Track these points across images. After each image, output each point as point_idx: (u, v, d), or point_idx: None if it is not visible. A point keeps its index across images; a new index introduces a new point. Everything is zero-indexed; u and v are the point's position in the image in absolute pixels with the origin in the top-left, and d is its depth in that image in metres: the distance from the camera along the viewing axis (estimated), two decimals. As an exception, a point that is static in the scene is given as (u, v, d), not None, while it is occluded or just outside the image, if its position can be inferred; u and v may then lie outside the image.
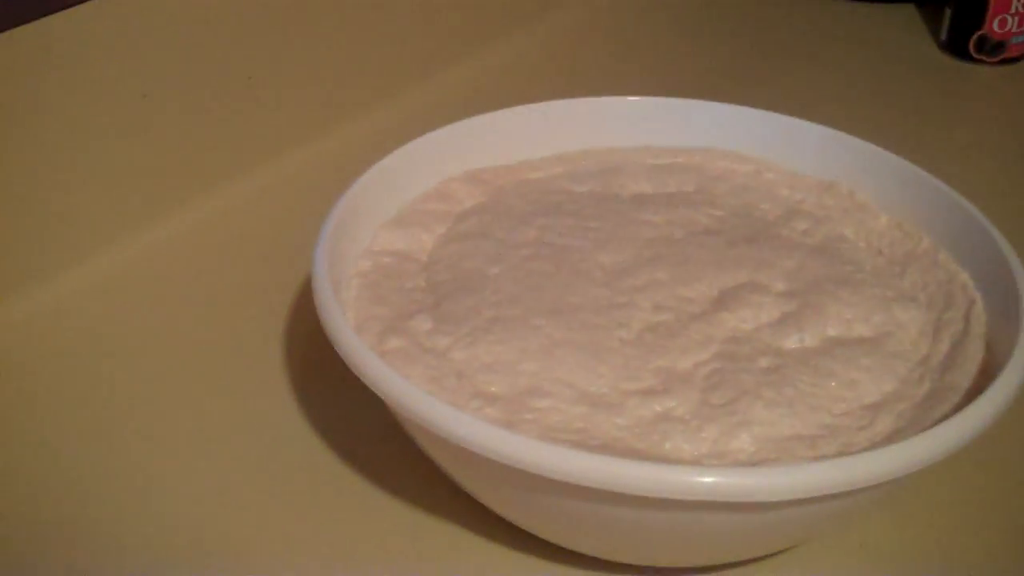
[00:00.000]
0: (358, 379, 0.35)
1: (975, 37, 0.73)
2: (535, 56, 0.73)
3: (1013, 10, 0.72)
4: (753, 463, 0.35)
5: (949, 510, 0.41)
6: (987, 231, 0.42)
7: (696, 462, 0.35)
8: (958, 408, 0.36)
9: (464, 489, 0.38)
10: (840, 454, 0.35)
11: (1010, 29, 0.73)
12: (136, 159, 0.53)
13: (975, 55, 0.74)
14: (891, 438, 0.36)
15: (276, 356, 0.47)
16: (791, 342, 0.40)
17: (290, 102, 0.60)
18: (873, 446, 0.35)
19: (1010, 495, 0.42)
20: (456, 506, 0.39)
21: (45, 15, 0.47)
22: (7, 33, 0.46)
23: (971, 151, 0.64)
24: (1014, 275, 0.40)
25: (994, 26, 0.73)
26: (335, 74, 0.62)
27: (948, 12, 0.75)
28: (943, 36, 0.76)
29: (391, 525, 0.40)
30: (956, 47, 0.75)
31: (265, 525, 0.40)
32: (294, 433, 0.43)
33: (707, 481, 0.31)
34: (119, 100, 0.51)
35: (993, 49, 0.73)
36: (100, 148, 0.51)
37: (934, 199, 0.45)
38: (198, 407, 0.45)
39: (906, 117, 0.68)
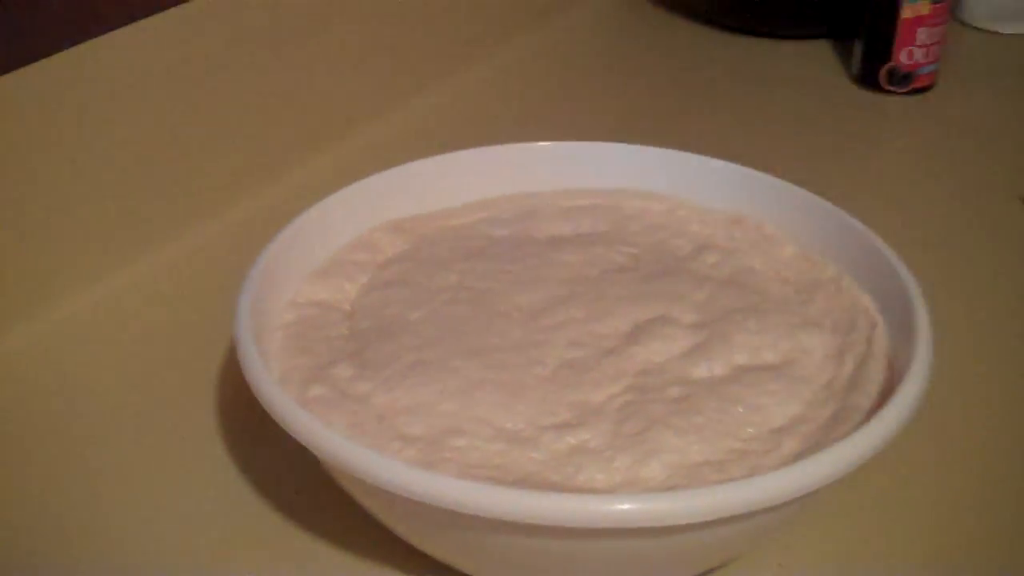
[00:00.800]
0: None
1: (885, 69, 0.76)
2: (456, 104, 0.75)
3: (919, 42, 0.75)
4: (664, 490, 0.36)
5: (864, 525, 0.43)
6: (886, 257, 0.44)
7: (609, 491, 0.36)
8: (858, 428, 0.38)
9: (391, 530, 0.39)
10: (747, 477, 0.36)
11: (917, 60, 0.75)
12: (76, 219, 0.54)
13: (886, 87, 0.77)
14: (797, 459, 0.37)
15: (209, 412, 0.48)
16: (700, 371, 0.41)
17: (227, 160, 0.61)
18: (780, 468, 0.37)
19: (921, 504, 0.44)
20: (389, 551, 0.41)
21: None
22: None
23: (883, 179, 0.67)
24: (911, 297, 0.41)
25: (902, 58, 0.75)
26: (261, 131, 0.64)
27: (858, 46, 0.78)
28: (855, 70, 0.79)
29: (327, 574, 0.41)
30: (868, 80, 0.78)
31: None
32: (228, 486, 0.44)
33: (611, 508, 0.32)
34: (53, 161, 0.52)
35: (902, 80, 0.76)
36: (41, 211, 0.52)
37: (836, 228, 0.47)
38: (132, 462, 0.45)
39: (822, 149, 0.70)
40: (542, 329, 0.43)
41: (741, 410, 0.39)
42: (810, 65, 0.82)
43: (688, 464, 0.37)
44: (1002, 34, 0.88)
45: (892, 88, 0.77)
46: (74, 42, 0.52)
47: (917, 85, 0.77)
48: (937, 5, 0.74)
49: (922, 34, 0.75)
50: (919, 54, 0.75)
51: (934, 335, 0.40)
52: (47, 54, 0.50)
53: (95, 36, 0.53)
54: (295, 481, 0.44)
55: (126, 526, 0.43)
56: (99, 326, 0.53)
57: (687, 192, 0.51)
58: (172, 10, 0.56)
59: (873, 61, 0.77)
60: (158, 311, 0.55)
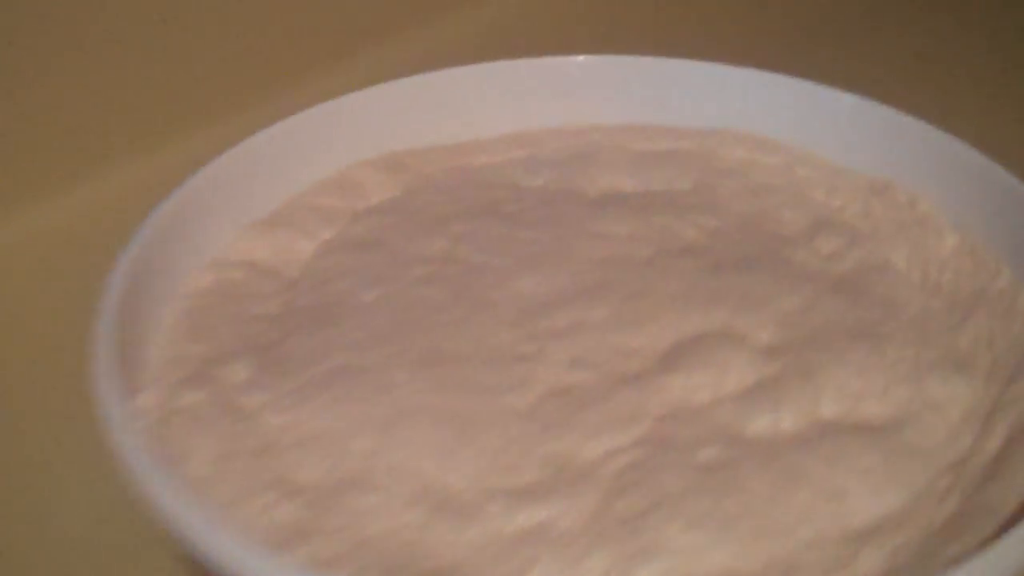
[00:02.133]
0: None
1: None
2: (516, 14, 0.64)
3: None
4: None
5: None
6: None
7: (566, 610, 0.27)
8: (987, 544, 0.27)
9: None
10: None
11: None
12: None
13: None
14: (877, 586, 0.27)
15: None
16: (760, 423, 0.31)
17: (189, 82, 0.53)
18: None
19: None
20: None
21: None
22: None
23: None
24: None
25: None
26: (247, 41, 0.55)
27: None
28: None
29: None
30: None
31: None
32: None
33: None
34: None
35: None
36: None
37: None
38: None
39: (1004, 99, 0.57)
40: (538, 334, 0.33)
41: (805, 495, 0.29)
42: None
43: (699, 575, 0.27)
44: None
45: None
46: None
47: None
48: None
49: None
50: None
51: None
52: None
53: None
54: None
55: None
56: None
57: (815, 142, 0.41)
58: None
59: None
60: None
